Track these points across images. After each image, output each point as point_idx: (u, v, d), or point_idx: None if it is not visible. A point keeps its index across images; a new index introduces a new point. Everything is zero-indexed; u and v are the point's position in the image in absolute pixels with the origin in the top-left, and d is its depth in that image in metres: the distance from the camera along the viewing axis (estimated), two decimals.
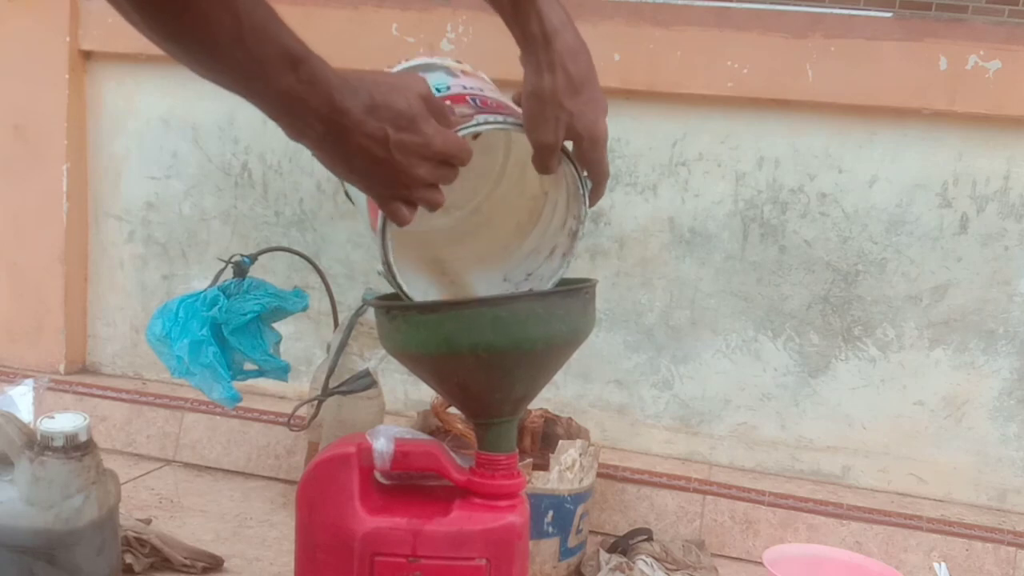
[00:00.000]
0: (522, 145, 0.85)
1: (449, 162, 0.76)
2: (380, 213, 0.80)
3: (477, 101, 0.85)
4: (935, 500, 1.59)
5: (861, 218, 1.56)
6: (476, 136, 0.81)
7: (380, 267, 0.84)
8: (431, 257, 0.96)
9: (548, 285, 0.90)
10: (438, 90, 0.85)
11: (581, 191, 0.85)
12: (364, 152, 0.74)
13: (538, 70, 0.80)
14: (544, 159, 0.83)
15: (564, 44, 0.79)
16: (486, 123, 0.80)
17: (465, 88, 0.88)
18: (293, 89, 0.69)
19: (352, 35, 1.66)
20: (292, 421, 1.42)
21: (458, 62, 0.96)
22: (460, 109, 0.81)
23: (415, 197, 0.77)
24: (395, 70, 0.93)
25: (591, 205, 0.87)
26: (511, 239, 0.95)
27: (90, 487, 1.08)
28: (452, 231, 0.99)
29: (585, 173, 0.85)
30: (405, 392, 1.77)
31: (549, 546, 1.33)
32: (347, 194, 1.01)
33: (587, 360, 1.68)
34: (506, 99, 0.89)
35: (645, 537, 1.43)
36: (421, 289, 0.89)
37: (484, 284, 0.94)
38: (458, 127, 0.78)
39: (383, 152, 0.73)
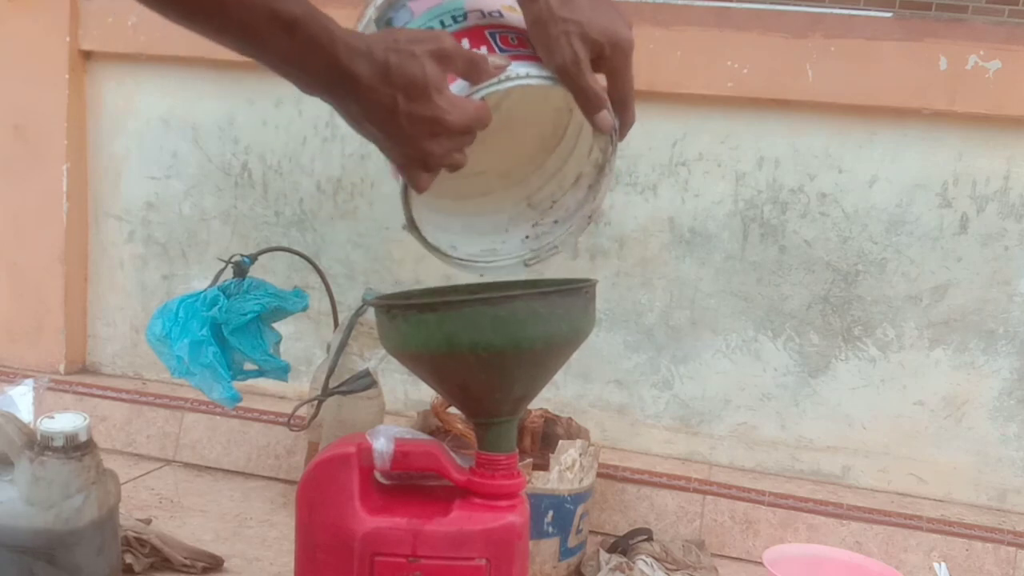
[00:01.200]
0: None
1: (465, 133, 0.72)
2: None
3: (497, 39, 0.78)
4: (935, 500, 1.59)
5: (861, 218, 1.56)
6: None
7: (404, 224, 0.81)
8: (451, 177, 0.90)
9: (575, 217, 0.85)
10: (454, 19, 0.80)
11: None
12: (374, 118, 0.70)
13: None
14: (574, 80, 0.75)
15: None
16: (517, 78, 0.74)
17: (483, 17, 0.81)
18: (290, 52, 0.65)
19: None
20: (292, 421, 1.42)
21: None
22: (489, 57, 0.75)
23: (432, 165, 0.74)
24: None
25: (621, 136, 0.80)
26: (535, 152, 0.90)
27: (90, 487, 1.08)
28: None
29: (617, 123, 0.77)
30: (405, 392, 1.77)
31: (549, 546, 1.33)
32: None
33: (587, 360, 1.68)
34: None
35: (645, 537, 1.43)
36: (440, 225, 0.85)
37: (509, 206, 0.90)
38: (481, 87, 0.73)
39: (393, 122, 0.70)
